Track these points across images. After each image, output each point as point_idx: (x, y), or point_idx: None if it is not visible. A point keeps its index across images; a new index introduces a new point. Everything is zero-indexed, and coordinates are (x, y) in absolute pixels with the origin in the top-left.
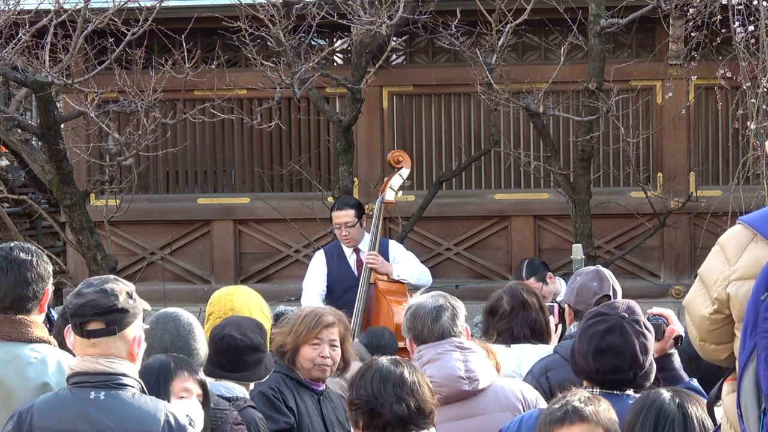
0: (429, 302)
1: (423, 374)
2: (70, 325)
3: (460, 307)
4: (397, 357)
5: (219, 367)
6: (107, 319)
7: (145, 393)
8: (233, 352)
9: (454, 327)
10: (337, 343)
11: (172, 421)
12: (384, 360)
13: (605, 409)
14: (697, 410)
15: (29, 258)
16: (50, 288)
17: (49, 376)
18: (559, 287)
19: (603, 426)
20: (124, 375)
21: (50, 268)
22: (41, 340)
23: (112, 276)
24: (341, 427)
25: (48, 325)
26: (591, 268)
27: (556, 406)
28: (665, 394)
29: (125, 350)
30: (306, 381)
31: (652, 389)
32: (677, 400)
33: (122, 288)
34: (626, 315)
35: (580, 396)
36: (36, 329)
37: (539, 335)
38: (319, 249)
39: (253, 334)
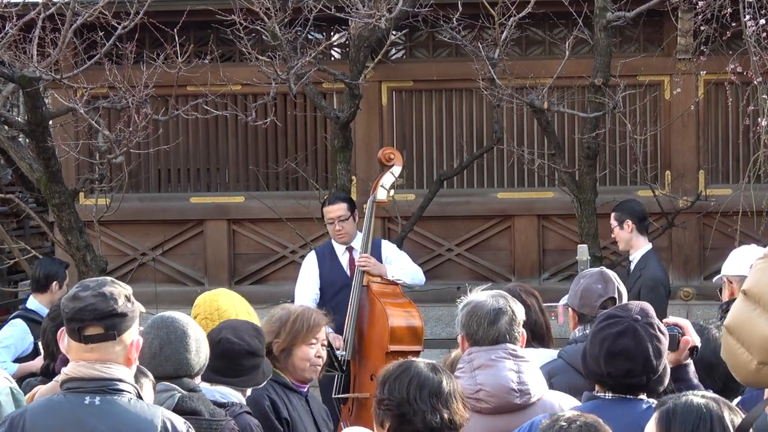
0: (489, 302)
1: (458, 384)
2: (64, 328)
3: (520, 311)
4: (435, 363)
5: (215, 372)
6: (106, 323)
7: (141, 399)
8: (230, 356)
9: (511, 332)
10: (325, 342)
11: (170, 427)
12: (422, 364)
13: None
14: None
15: None
16: None
17: None
18: (638, 242)
19: None
20: (120, 380)
21: None
22: None
23: (108, 278)
24: (326, 425)
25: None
26: (595, 269)
27: (564, 423)
28: (698, 399)
29: (123, 355)
30: (293, 384)
31: (683, 393)
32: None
33: (121, 291)
34: (639, 317)
35: (576, 414)
36: None
37: (540, 338)
38: (311, 250)
39: (250, 338)
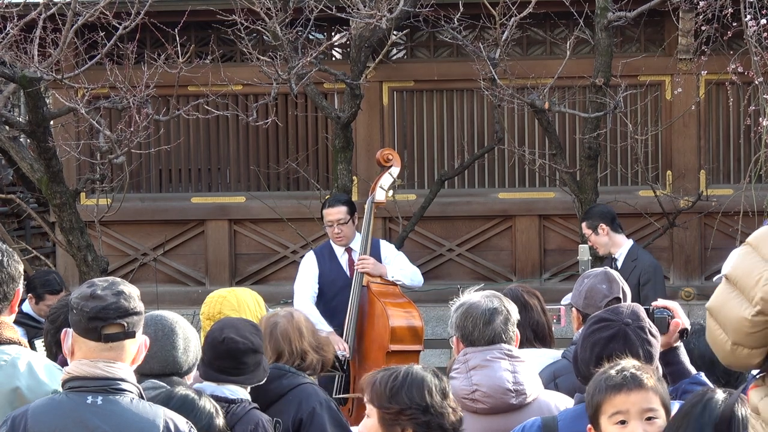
0: (483, 303)
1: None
2: (68, 330)
3: (513, 310)
4: (433, 368)
5: (220, 371)
6: (127, 321)
7: (143, 398)
8: (235, 355)
9: (505, 332)
10: None
11: (172, 427)
12: (423, 370)
13: (659, 380)
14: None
15: (0, 257)
16: (21, 288)
17: (20, 380)
18: (618, 241)
19: (660, 396)
20: (122, 380)
21: (21, 267)
22: (11, 342)
23: (118, 278)
24: None
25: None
26: (599, 269)
27: (612, 372)
28: (719, 394)
29: (134, 354)
30: None
31: (708, 389)
32: (730, 402)
33: (133, 290)
34: (630, 321)
35: (634, 364)
36: (5, 330)
37: (542, 338)
38: (310, 251)
39: (252, 336)
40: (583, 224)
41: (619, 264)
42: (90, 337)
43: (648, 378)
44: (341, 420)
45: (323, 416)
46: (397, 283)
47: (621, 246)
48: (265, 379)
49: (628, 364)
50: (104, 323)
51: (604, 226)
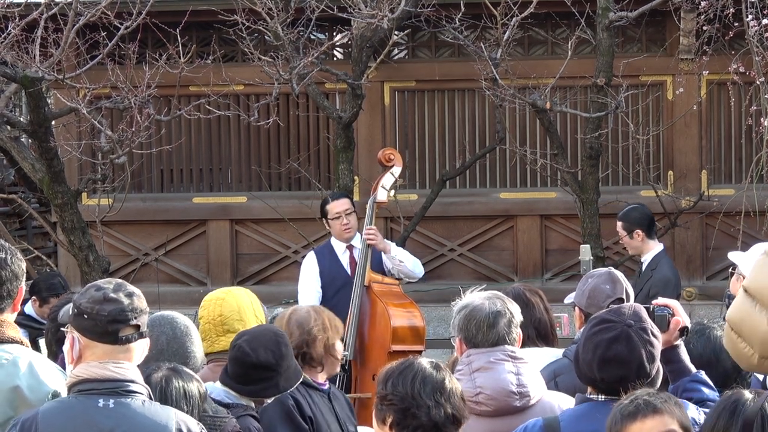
0: (486, 305)
1: (458, 383)
2: (74, 336)
3: (516, 312)
4: (438, 361)
5: (229, 375)
6: (140, 321)
7: (152, 400)
8: (240, 364)
9: (509, 334)
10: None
11: (185, 429)
12: (424, 362)
13: (676, 403)
14: None
15: (3, 255)
16: (24, 287)
17: (20, 379)
18: (648, 246)
19: (677, 418)
20: (132, 381)
21: (24, 266)
22: (13, 341)
23: (119, 279)
24: (350, 422)
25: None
26: (603, 270)
27: (627, 401)
28: (747, 395)
29: (141, 353)
30: (315, 382)
31: (734, 392)
32: (761, 403)
33: (137, 290)
34: (633, 322)
35: (649, 391)
36: (8, 329)
37: (544, 337)
38: (310, 251)
39: (264, 351)
40: (619, 224)
41: (643, 268)
42: (106, 340)
43: (662, 402)
44: None
45: None
46: (399, 267)
47: (649, 251)
48: (272, 398)
49: (642, 392)
50: (123, 325)
51: (640, 232)
